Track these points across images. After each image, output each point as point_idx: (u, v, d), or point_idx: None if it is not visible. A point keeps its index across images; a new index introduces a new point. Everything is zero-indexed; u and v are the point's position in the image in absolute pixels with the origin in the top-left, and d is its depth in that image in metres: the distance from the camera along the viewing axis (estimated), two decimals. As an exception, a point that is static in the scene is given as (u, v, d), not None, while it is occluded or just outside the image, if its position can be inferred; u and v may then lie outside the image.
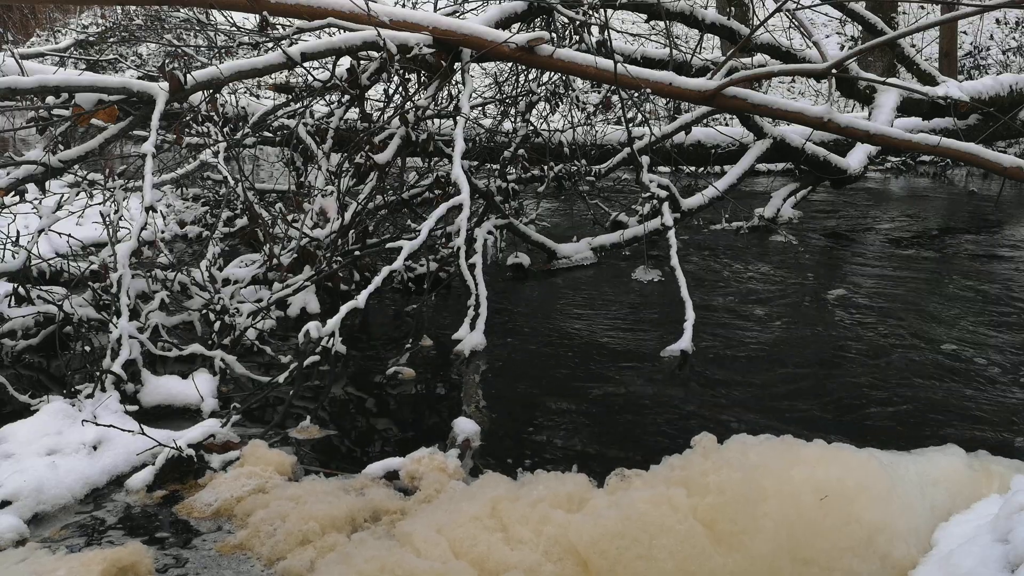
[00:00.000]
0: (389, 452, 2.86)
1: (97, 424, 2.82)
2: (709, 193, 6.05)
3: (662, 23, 7.03)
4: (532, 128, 6.01)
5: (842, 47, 13.89)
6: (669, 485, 2.35)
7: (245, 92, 7.75)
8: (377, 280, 3.48)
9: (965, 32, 14.60)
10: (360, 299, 3.34)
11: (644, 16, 7.19)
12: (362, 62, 4.45)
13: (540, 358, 3.91)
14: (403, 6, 6.95)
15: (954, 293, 4.98)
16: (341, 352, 3.38)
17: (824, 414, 3.23)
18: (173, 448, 2.69)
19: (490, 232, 5.04)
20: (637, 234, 5.63)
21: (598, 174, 7.23)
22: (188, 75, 3.80)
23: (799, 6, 6.34)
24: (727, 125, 9.24)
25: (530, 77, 6.00)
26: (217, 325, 3.79)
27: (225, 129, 4.38)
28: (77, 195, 4.57)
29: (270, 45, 4.64)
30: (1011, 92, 7.83)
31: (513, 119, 6.09)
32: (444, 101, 4.83)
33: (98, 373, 3.17)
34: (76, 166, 3.95)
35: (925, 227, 7.23)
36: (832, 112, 4.50)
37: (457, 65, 4.54)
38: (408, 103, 4.52)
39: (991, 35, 14.85)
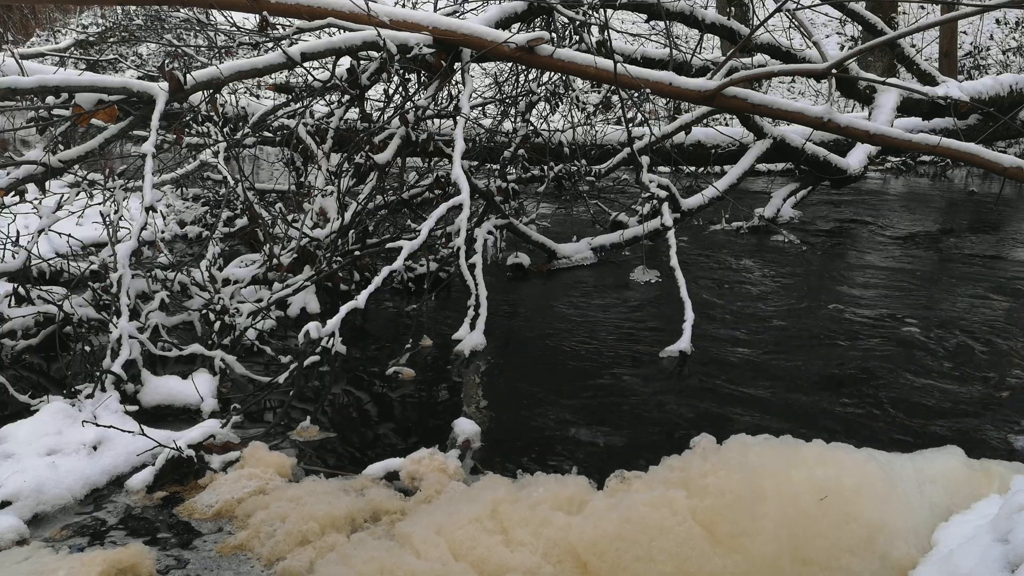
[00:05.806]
0: (389, 453, 2.86)
1: (97, 424, 2.82)
2: (709, 193, 6.05)
3: (662, 23, 7.02)
4: (532, 128, 6.01)
5: (842, 47, 13.91)
6: (668, 487, 2.35)
7: (245, 92, 7.76)
8: (377, 280, 3.48)
9: (965, 32, 14.60)
10: (360, 299, 3.34)
11: (644, 16, 7.19)
12: (362, 62, 4.45)
13: (540, 358, 3.91)
14: (403, 6, 6.95)
15: (954, 294, 4.98)
16: (341, 352, 3.37)
17: (823, 414, 3.24)
18: (173, 448, 2.69)
19: (490, 232, 5.04)
20: (637, 234, 5.63)
21: (598, 174, 7.23)
22: (188, 75, 3.80)
23: (799, 6, 6.35)
24: (727, 125, 9.24)
25: (530, 77, 6.01)
26: (217, 325, 3.79)
27: (225, 129, 4.39)
28: (77, 195, 4.57)
29: (270, 45, 4.64)
30: (1011, 92, 7.83)
31: (513, 119, 6.09)
32: (444, 101, 4.83)
33: (98, 373, 3.17)
34: (76, 166, 3.95)
35: (925, 227, 7.23)
36: (832, 112, 4.50)
37: (457, 65, 4.54)
38: (408, 103, 4.53)
39: (991, 35, 14.85)
